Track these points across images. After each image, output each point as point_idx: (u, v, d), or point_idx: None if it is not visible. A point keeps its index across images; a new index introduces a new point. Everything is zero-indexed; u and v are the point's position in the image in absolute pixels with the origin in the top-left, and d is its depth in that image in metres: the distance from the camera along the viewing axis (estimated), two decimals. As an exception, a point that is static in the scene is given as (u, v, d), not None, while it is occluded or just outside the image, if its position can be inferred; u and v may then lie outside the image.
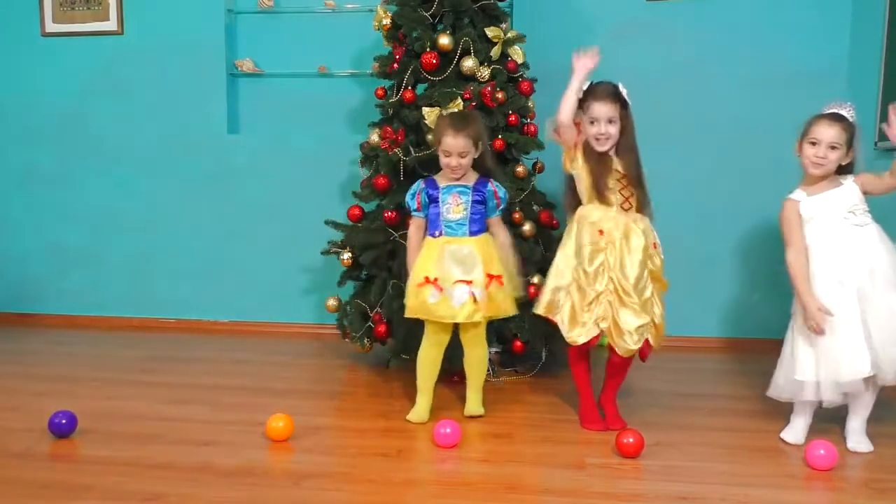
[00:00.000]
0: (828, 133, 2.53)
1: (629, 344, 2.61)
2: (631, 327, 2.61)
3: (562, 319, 2.69)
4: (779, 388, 2.63)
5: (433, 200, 2.79)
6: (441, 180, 2.81)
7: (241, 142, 4.24)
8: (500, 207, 2.84)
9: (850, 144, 2.54)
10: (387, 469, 2.38)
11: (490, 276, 2.71)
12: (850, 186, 2.56)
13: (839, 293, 2.48)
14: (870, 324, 2.45)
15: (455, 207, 2.75)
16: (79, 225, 4.41)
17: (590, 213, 2.69)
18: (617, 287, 2.61)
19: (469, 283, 2.68)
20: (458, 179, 2.78)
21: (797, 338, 2.57)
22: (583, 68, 2.64)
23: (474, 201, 2.77)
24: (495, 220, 2.85)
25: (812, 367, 2.51)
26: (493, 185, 2.81)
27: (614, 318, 2.62)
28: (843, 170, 2.59)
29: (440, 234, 2.76)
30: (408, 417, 2.80)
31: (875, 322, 2.46)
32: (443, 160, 2.76)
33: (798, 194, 2.60)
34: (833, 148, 2.52)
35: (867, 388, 2.52)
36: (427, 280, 2.70)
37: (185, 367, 3.57)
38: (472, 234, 2.76)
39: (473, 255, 2.72)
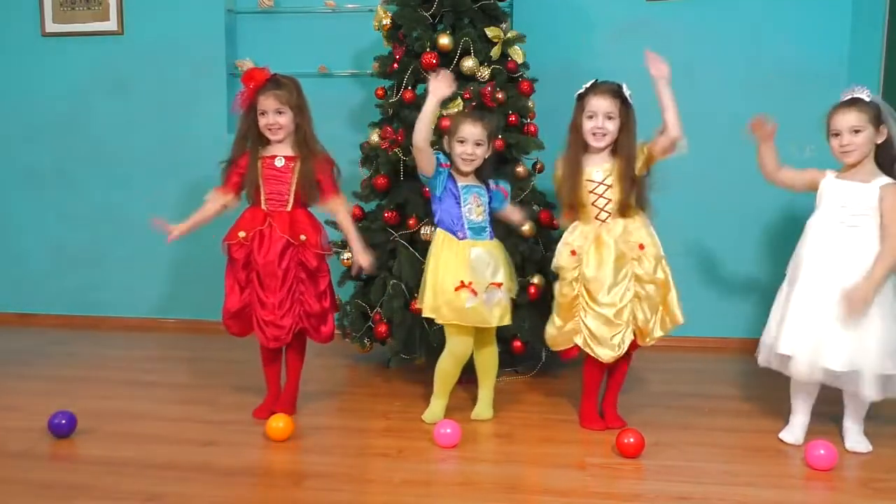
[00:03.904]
0: (844, 120, 2.51)
1: (608, 351, 2.63)
2: (605, 336, 2.62)
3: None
4: (762, 353, 2.66)
5: (451, 194, 2.72)
6: (457, 178, 2.75)
7: (241, 142, 4.23)
8: (508, 197, 2.86)
9: (878, 122, 2.50)
10: (387, 469, 2.39)
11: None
12: (872, 189, 2.49)
13: (825, 285, 2.49)
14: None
15: (476, 209, 2.73)
16: (78, 225, 4.41)
17: (568, 231, 2.74)
18: (585, 297, 2.63)
19: (500, 285, 2.69)
20: (467, 175, 2.74)
21: (788, 307, 2.58)
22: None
23: (489, 204, 2.77)
24: (508, 207, 2.88)
25: (794, 342, 2.53)
26: (493, 185, 2.81)
27: (587, 328, 2.63)
28: (888, 157, 2.53)
29: (464, 237, 2.71)
30: (423, 417, 2.80)
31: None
32: (457, 149, 2.70)
33: (830, 173, 2.60)
34: (857, 132, 2.50)
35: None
36: (463, 284, 2.64)
37: (185, 367, 3.57)
38: (492, 236, 2.77)
39: (497, 259, 2.72)
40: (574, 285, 2.66)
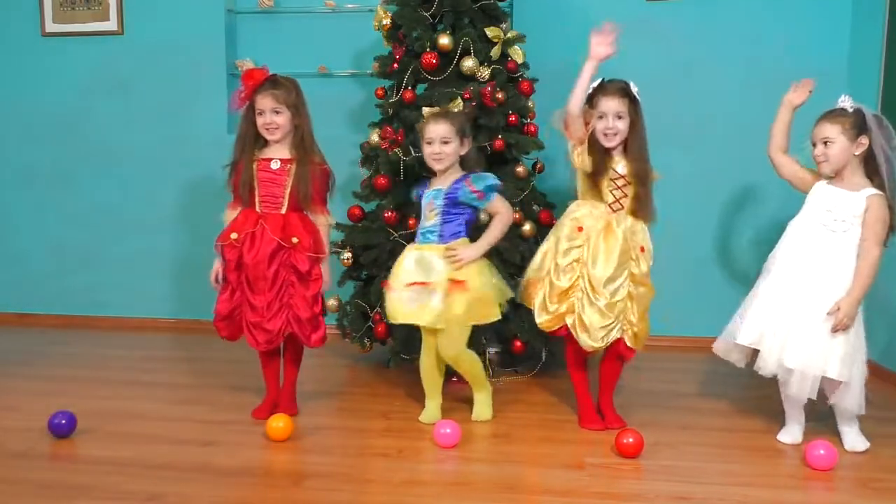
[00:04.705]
0: (819, 131, 2.55)
1: (591, 341, 2.63)
2: (595, 325, 2.62)
3: (534, 305, 2.73)
4: (721, 340, 2.70)
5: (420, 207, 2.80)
6: (431, 183, 2.79)
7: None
8: (487, 196, 2.72)
9: (857, 133, 2.51)
10: (387, 469, 2.39)
11: (454, 282, 2.65)
12: (859, 198, 2.51)
13: (795, 283, 2.53)
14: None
15: (429, 214, 2.74)
16: (79, 225, 4.42)
17: (575, 208, 2.73)
18: (586, 283, 2.63)
19: (425, 284, 2.66)
20: (443, 173, 2.74)
21: (754, 299, 2.64)
22: (598, 54, 2.61)
23: (446, 205, 2.72)
24: (494, 202, 2.74)
25: (756, 335, 2.57)
26: (465, 181, 2.72)
27: (579, 313, 2.63)
28: (873, 166, 2.54)
29: (414, 241, 2.78)
30: (420, 419, 2.80)
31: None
32: (426, 151, 2.73)
33: (824, 179, 2.61)
34: (828, 143, 2.52)
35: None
36: (384, 284, 2.74)
37: (184, 367, 3.58)
38: (445, 238, 2.71)
39: (434, 260, 2.68)
40: (576, 266, 2.65)
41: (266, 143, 2.77)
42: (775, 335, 2.54)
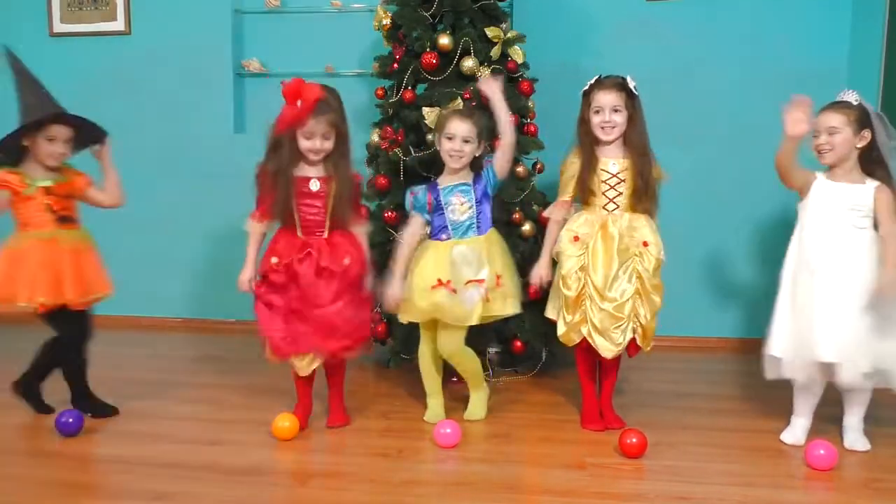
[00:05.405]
0: (824, 120, 2.54)
1: (609, 345, 2.64)
2: (608, 329, 2.63)
3: (556, 318, 2.76)
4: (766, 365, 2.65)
5: (437, 208, 2.72)
6: (441, 181, 2.75)
7: (248, 141, 4.22)
8: (497, 146, 2.77)
9: (860, 126, 2.51)
10: (387, 469, 2.41)
11: (497, 276, 2.68)
12: (868, 190, 2.53)
13: (808, 280, 2.51)
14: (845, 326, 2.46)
15: (461, 208, 2.71)
16: (87, 224, 4.42)
17: (572, 219, 2.74)
18: (591, 289, 2.64)
19: (481, 282, 2.65)
20: (457, 171, 2.72)
21: (775, 313, 2.59)
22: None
23: (478, 198, 2.73)
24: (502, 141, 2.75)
25: (785, 343, 2.53)
26: (485, 164, 2.75)
27: (591, 320, 2.64)
28: (872, 161, 2.55)
29: (448, 238, 2.71)
30: (425, 418, 2.81)
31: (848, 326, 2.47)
32: (445, 146, 2.69)
33: (820, 175, 2.60)
34: (833, 133, 2.52)
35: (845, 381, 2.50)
36: (440, 283, 2.64)
37: (190, 367, 3.60)
38: (484, 229, 2.73)
39: (481, 255, 2.68)
40: (580, 275, 2.66)
41: (300, 159, 2.63)
42: (856, 345, 2.46)
